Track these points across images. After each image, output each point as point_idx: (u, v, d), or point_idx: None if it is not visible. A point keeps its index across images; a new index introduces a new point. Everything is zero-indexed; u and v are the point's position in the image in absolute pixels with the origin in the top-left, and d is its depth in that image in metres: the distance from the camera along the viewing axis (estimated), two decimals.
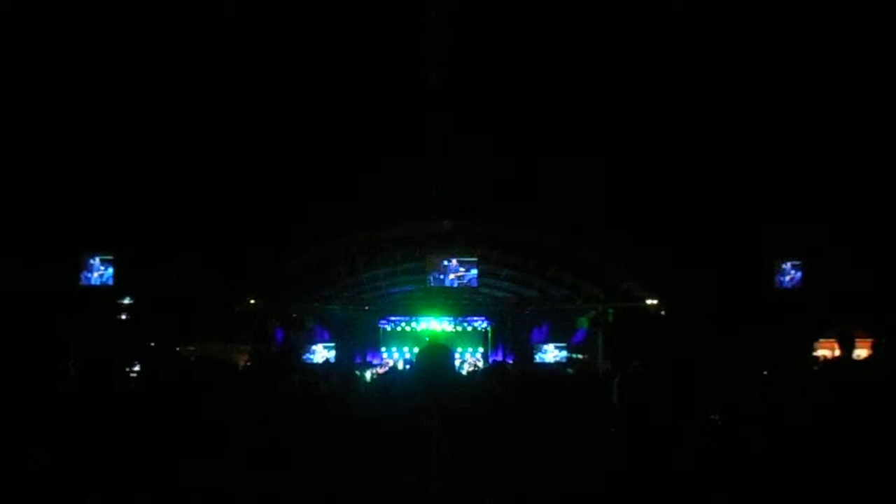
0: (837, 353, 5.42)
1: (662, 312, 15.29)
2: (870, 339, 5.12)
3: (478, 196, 12.62)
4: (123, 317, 13.88)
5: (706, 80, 10.40)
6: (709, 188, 11.88)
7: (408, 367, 17.28)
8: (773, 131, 10.98)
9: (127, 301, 13.75)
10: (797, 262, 13.05)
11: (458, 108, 10.86)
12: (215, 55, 9.74)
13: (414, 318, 18.44)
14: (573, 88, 10.53)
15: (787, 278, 13.01)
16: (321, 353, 16.53)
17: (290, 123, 10.99)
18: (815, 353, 11.36)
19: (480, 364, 17.49)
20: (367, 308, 18.34)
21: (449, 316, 18.27)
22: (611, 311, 16.27)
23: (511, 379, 5.45)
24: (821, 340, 11.83)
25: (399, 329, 18.75)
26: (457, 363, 16.95)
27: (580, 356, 16.67)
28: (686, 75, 10.37)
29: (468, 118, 11.04)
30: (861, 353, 5.51)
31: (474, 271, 14.58)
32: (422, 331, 18.43)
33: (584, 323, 17.25)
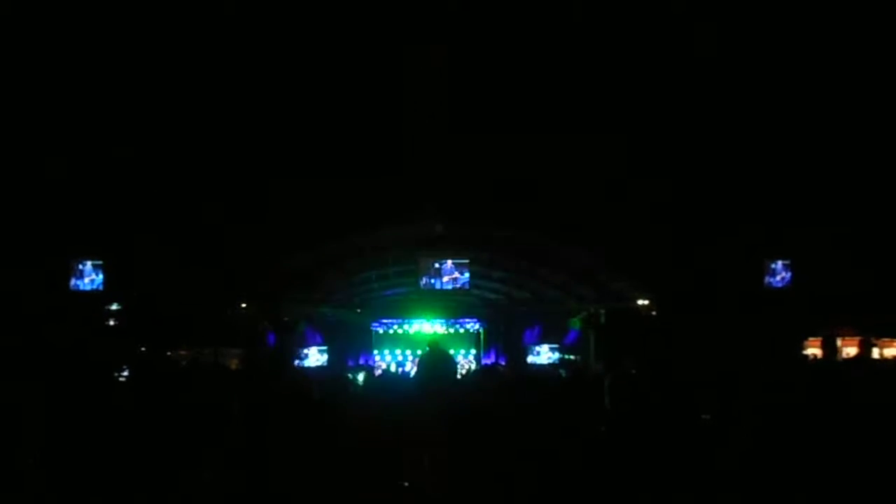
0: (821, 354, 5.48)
1: (654, 313, 15.34)
2: (858, 338, 5.17)
3: (469, 197, 12.63)
4: (114, 322, 13.80)
5: (696, 81, 10.47)
6: (698, 188, 11.94)
7: (401, 370, 17.31)
8: (764, 132, 11.06)
9: (116, 307, 13.67)
10: (787, 262, 13.13)
11: (449, 108, 10.87)
12: (202, 58, 9.72)
13: (406, 321, 18.42)
14: (562, 90, 10.58)
15: (778, 278, 13.08)
16: (314, 357, 16.50)
17: (279, 125, 10.98)
18: (805, 352, 11.45)
19: (473, 366, 17.49)
20: (359, 311, 18.31)
21: (441, 318, 18.26)
22: (602, 311, 16.30)
23: (503, 381, 5.46)
24: (811, 339, 11.91)
25: (391, 332, 18.73)
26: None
27: (572, 357, 16.70)
28: (675, 77, 10.43)
29: (460, 118, 11.06)
30: (851, 350, 5.57)
31: (466, 273, 14.59)
32: (415, 333, 18.42)
33: (575, 324, 17.28)
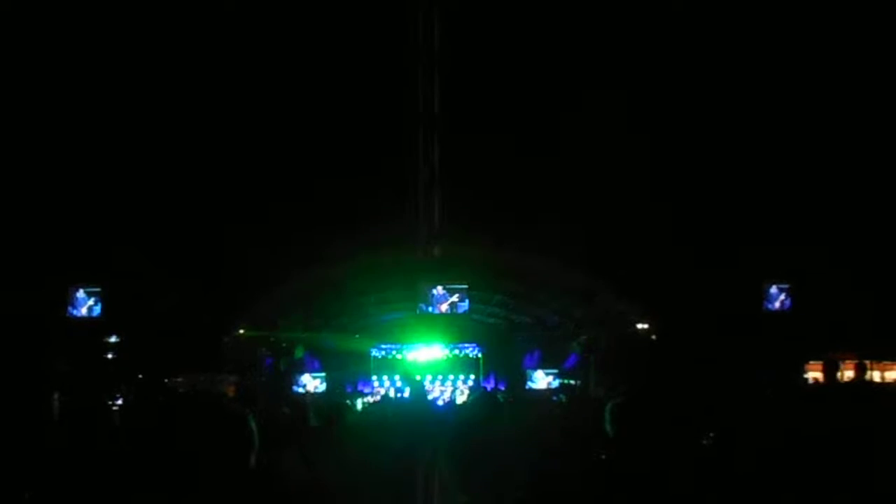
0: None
1: (654, 336, 15.29)
2: (855, 362, 5.17)
3: (468, 220, 12.67)
4: (111, 349, 13.72)
5: (692, 104, 10.56)
6: (698, 212, 11.98)
7: (399, 395, 17.17)
8: (762, 154, 11.12)
9: (114, 339, 13.60)
10: (785, 286, 13.10)
11: (448, 131, 10.95)
12: (197, 84, 9.79)
13: (405, 346, 18.32)
14: (559, 114, 10.66)
15: (777, 303, 13.04)
16: (311, 383, 16.35)
17: (277, 149, 11.03)
18: (805, 376, 11.39)
19: (472, 390, 17.38)
20: (357, 336, 18.22)
21: (440, 343, 18.18)
22: (602, 335, 16.24)
23: (501, 407, 5.41)
24: (811, 363, 11.86)
25: (390, 357, 18.61)
26: (439, 391, 17.36)
27: (572, 382, 16.59)
28: (673, 100, 10.52)
29: (458, 142, 11.13)
30: (848, 374, 5.55)
31: (465, 298, 14.56)
32: (412, 360, 18.32)
33: (575, 348, 17.20)
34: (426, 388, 15.83)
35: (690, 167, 11.34)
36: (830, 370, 5.04)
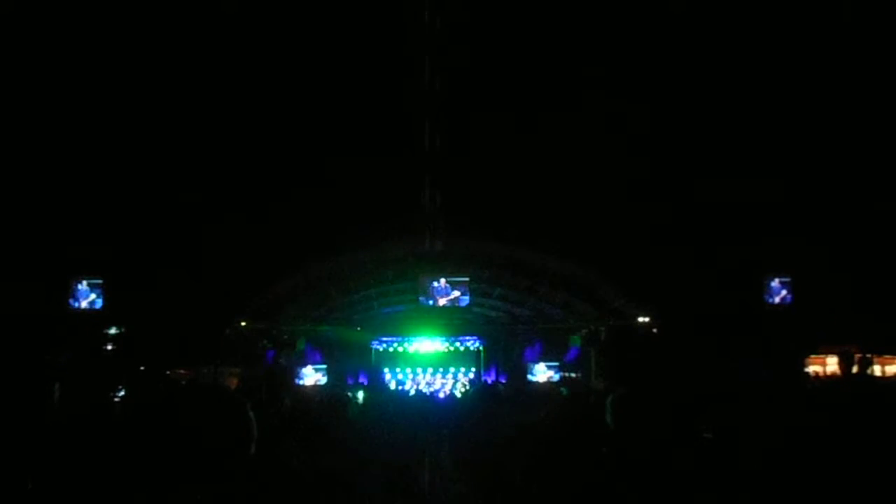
0: (836, 369, 5.44)
1: (654, 330, 15.30)
2: (857, 356, 5.16)
3: (470, 215, 12.66)
4: (111, 341, 13.74)
5: (693, 99, 10.53)
6: (699, 206, 11.96)
7: (400, 388, 17.23)
8: (763, 148, 11.10)
9: (115, 329, 13.62)
10: (786, 280, 13.10)
11: (451, 127, 10.94)
12: (199, 81, 9.79)
13: (406, 339, 18.36)
14: (563, 108, 10.64)
15: (777, 298, 13.03)
16: (312, 376, 16.40)
17: (281, 141, 11.03)
18: (806, 370, 11.40)
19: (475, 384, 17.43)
20: (358, 328, 18.24)
21: (441, 336, 18.22)
22: (603, 329, 16.26)
23: (502, 400, 5.43)
24: (812, 357, 11.86)
25: (391, 349, 18.67)
26: (440, 384, 17.55)
27: (573, 375, 16.61)
28: (673, 94, 10.50)
29: (461, 137, 11.12)
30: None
31: (467, 292, 14.58)
32: (414, 351, 18.37)
33: (576, 341, 17.23)
34: (387, 381, 16.13)
35: (691, 161, 11.32)
36: (847, 363, 5.02)
